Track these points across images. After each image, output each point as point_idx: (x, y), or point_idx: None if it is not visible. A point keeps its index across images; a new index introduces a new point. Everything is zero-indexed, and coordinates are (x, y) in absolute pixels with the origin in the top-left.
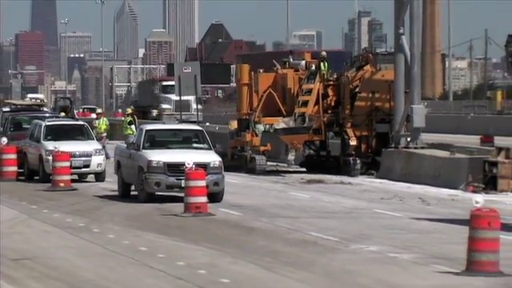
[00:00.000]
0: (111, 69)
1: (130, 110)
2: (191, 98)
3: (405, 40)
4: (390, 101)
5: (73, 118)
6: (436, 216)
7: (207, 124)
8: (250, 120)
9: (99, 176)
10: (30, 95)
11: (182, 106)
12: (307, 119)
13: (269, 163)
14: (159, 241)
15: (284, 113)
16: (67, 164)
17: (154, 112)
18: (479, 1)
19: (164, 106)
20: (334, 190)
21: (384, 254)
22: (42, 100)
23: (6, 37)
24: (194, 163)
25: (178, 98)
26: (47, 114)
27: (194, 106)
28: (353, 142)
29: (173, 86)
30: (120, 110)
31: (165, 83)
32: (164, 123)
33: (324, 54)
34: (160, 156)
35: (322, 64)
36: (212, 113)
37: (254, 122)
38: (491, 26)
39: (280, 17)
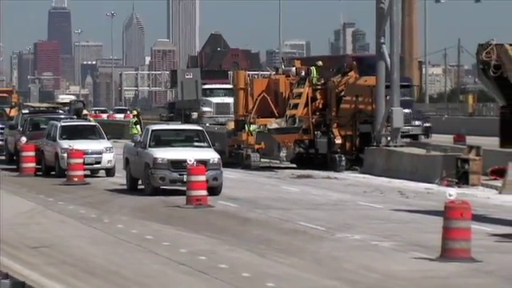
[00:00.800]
0: (120, 75)
1: (135, 112)
2: (231, 100)
3: (385, 49)
4: (372, 104)
5: (85, 119)
6: (413, 207)
7: (207, 124)
8: (246, 121)
9: (109, 171)
10: (61, 96)
11: (223, 109)
12: (297, 120)
13: (263, 160)
14: (164, 230)
15: (276, 114)
16: (80, 161)
17: (194, 115)
18: (453, 11)
19: (204, 108)
20: (322, 184)
21: (366, 242)
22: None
23: (25, 46)
24: (195, 160)
25: (219, 101)
26: (62, 116)
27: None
28: (338, 141)
29: (213, 89)
30: (128, 112)
31: (205, 86)
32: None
33: (320, 63)
34: (164, 153)
35: (314, 69)
36: None
37: (249, 122)
38: (464, 35)
39: (272, 27)
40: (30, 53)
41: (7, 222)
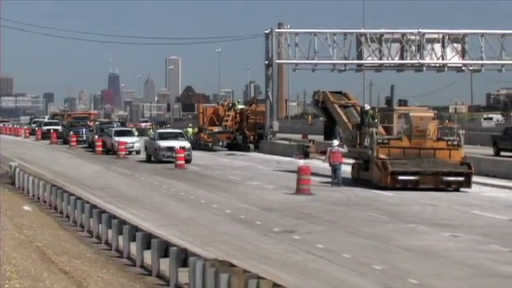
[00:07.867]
0: (142, 106)
1: (150, 123)
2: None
3: (270, 93)
4: (264, 119)
5: (126, 126)
6: (283, 169)
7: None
8: (203, 128)
9: (138, 152)
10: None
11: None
12: (228, 127)
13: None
14: (164, 180)
15: (218, 125)
16: (124, 146)
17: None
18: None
19: None
20: (240, 158)
21: (261, 186)
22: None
23: (96, 91)
24: (179, 146)
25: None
26: (115, 125)
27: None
28: (248, 138)
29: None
30: (147, 123)
31: None
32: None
33: (239, 100)
34: (164, 143)
35: (236, 103)
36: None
37: (205, 128)
38: (307, 87)
39: (215, 80)
40: (98, 95)
41: (87, 175)
